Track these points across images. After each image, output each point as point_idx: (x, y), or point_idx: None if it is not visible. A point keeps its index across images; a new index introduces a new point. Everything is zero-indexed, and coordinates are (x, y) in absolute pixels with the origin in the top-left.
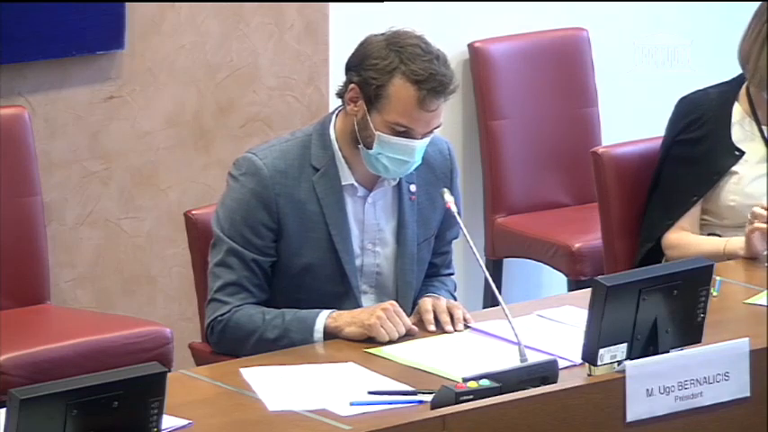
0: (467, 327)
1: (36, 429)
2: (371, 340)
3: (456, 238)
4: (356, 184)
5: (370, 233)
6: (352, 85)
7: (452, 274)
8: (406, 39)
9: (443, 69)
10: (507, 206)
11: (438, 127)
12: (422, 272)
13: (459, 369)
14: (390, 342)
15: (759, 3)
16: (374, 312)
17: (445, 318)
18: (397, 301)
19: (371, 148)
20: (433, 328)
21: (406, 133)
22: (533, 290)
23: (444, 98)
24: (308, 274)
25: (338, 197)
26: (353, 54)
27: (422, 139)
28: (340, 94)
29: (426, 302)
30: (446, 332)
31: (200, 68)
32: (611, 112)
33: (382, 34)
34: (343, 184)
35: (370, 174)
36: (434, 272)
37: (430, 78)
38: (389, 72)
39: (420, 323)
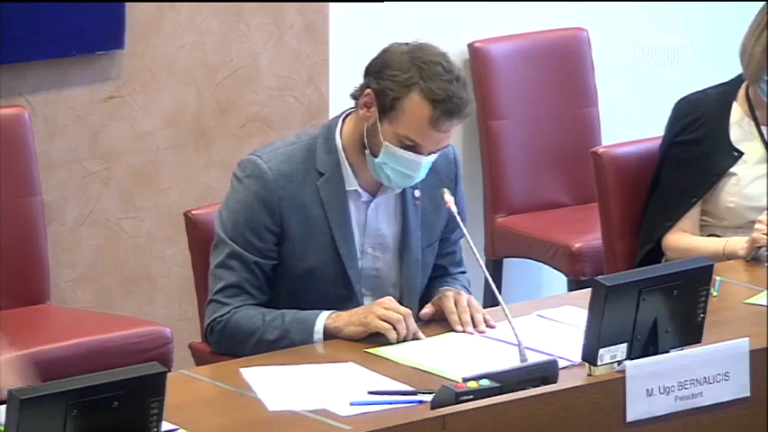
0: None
1: (36, 429)
2: (371, 340)
3: (462, 237)
4: (360, 189)
5: (371, 237)
6: (368, 91)
7: (464, 272)
8: (430, 55)
9: (461, 92)
10: (507, 206)
11: (446, 147)
12: (425, 276)
13: (459, 369)
14: (390, 342)
15: (761, 3)
16: (372, 310)
17: (466, 318)
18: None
19: (377, 156)
20: (460, 328)
21: (414, 148)
22: (533, 290)
23: (458, 121)
24: (311, 277)
25: (342, 202)
26: (374, 60)
27: (428, 155)
28: (355, 96)
29: (449, 300)
30: (455, 331)
31: (200, 68)
32: (611, 112)
33: (406, 44)
34: (347, 189)
35: (375, 180)
36: (444, 272)
37: (447, 100)
38: (408, 86)
39: (433, 318)
